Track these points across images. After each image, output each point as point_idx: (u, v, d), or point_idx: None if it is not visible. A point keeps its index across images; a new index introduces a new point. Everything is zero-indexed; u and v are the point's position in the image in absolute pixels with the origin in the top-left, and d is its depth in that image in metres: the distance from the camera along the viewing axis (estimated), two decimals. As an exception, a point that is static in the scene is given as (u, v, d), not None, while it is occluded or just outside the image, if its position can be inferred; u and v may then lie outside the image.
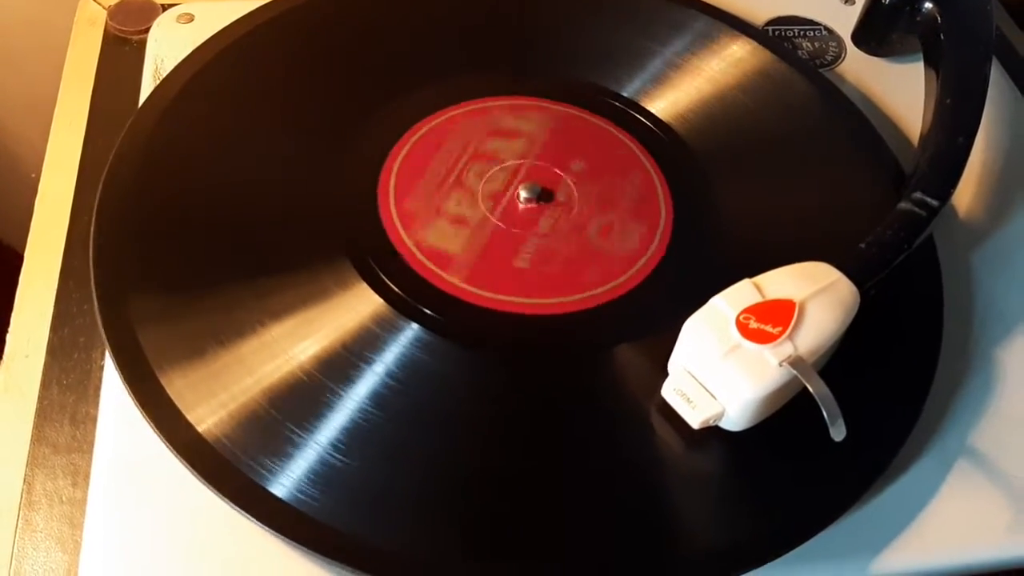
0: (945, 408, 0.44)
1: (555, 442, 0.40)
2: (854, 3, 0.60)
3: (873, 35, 0.57)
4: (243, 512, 0.36)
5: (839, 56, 0.58)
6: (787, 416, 0.39)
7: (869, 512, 0.40)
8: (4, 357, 0.42)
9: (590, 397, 0.41)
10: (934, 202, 0.43)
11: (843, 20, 0.59)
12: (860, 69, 0.57)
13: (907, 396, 0.42)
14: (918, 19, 0.53)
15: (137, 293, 0.41)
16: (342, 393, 0.39)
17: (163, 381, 0.39)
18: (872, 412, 0.41)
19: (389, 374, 0.40)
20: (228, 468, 0.37)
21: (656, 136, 0.51)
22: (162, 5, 0.56)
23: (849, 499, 0.39)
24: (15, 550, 0.37)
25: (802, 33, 0.59)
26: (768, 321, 0.38)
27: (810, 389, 0.36)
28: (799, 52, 0.57)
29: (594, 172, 0.48)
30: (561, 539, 0.37)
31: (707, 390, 0.38)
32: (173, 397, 0.38)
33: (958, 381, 0.45)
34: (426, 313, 0.42)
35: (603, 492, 0.39)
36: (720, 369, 0.38)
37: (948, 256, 0.48)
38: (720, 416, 0.39)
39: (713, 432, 0.40)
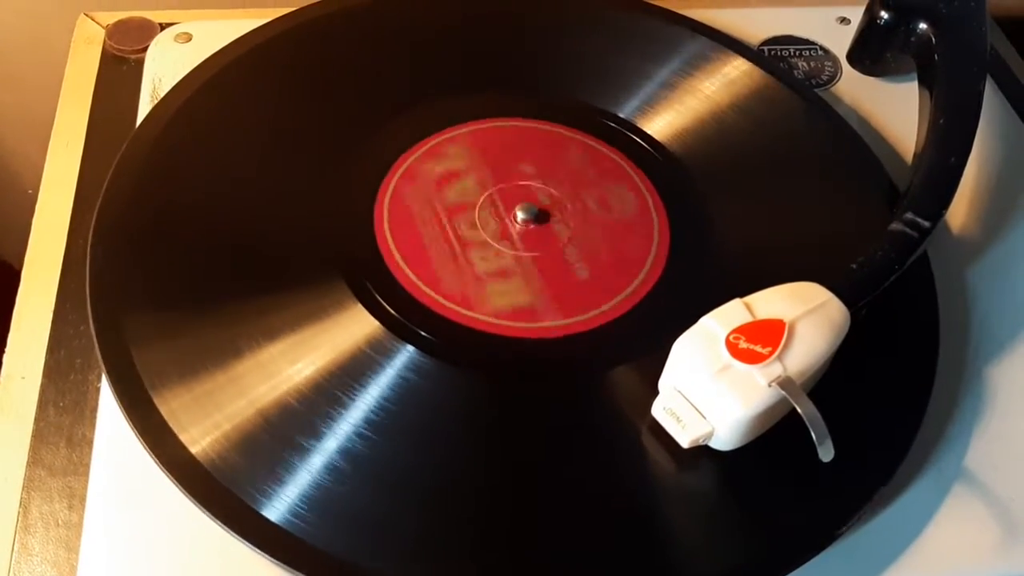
0: (942, 428, 0.44)
1: (547, 463, 0.40)
2: (849, 23, 0.60)
3: (868, 54, 0.57)
4: (236, 535, 0.36)
5: (835, 75, 0.58)
6: (779, 437, 0.39)
7: (864, 535, 0.40)
8: (0, 378, 0.42)
9: (584, 418, 0.41)
10: (926, 223, 0.44)
11: (839, 40, 0.59)
12: (855, 88, 0.58)
13: (903, 416, 0.42)
14: (913, 39, 0.53)
15: (133, 314, 0.42)
16: (336, 415, 0.39)
17: (157, 403, 0.39)
18: (867, 432, 0.41)
19: (384, 396, 0.40)
20: (222, 491, 0.37)
21: (652, 156, 0.51)
22: (160, 24, 0.56)
23: (843, 522, 0.39)
24: (11, 574, 0.37)
25: (798, 53, 0.59)
26: (758, 341, 0.38)
27: (798, 410, 0.36)
28: (795, 72, 0.58)
29: (590, 193, 0.49)
30: (555, 561, 0.38)
31: (697, 409, 0.39)
32: (167, 419, 0.38)
33: (954, 400, 0.45)
34: (421, 335, 0.42)
35: (597, 513, 0.39)
36: (709, 389, 0.38)
37: (943, 274, 0.48)
38: (709, 436, 0.39)
39: (704, 452, 0.40)
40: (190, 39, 0.55)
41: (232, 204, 0.46)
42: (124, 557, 0.37)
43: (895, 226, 0.44)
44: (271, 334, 0.42)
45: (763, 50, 0.59)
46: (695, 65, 0.54)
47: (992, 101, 0.57)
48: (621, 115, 0.52)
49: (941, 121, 0.48)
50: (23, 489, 0.39)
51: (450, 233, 0.46)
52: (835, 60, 0.59)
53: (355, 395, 0.40)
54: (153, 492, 0.38)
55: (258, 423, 0.39)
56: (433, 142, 0.50)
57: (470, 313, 0.43)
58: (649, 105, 0.53)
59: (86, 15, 0.57)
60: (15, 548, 0.38)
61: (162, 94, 0.50)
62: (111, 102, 0.53)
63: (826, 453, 0.36)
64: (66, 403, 0.42)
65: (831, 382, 0.40)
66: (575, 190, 0.49)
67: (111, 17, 0.57)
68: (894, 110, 0.56)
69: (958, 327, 0.47)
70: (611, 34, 0.56)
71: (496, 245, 0.46)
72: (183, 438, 0.38)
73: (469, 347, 0.42)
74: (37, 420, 0.41)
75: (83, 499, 0.39)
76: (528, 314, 0.44)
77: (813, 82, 0.57)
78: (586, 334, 0.43)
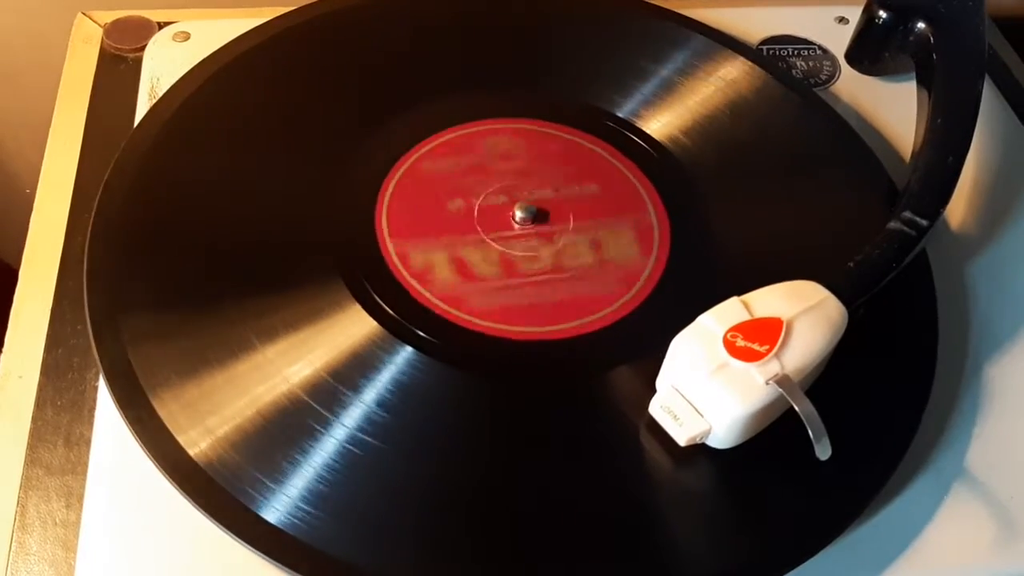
0: (941, 427, 0.44)
1: (545, 464, 0.40)
2: (848, 22, 0.60)
3: (867, 54, 0.57)
4: (234, 536, 0.36)
5: (833, 75, 0.58)
6: (777, 435, 0.39)
7: (863, 533, 0.40)
8: (-2, 377, 0.43)
9: (582, 417, 0.41)
10: (923, 221, 0.44)
11: (837, 39, 0.59)
12: (854, 88, 0.58)
13: (902, 415, 0.42)
14: (911, 38, 0.53)
15: (130, 314, 0.41)
16: (335, 415, 0.39)
17: (155, 403, 0.39)
18: (866, 431, 0.41)
19: (382, 397, 0.40)
20: (220, 492, 0.37)
21: (650, 156, 0.51)
22: (158, 23, 0.56)
23: (843, 521, 0.39)
24: (8, 573, 0.37)
25: (796, 52, 0.59)
26: (755, 339, 0.38)
27: (796, 408, 0.36)
28: (793, 71, 0.58)
29: (589, 193, 0.49)
30: (553, 561, 0.37)
31: (694, 407, 0.39)
32: (165, 420, 0.38)
33: (953, 399, 0.45)
34: (420, 336, 0.42)
35: (596, 512, 0.39)
36: (707, 387, 0.38)
37: (942, 273, 0.48)
38: (707, 434, 0.39)
39: (701, 450, 0.40)
40: (188, 38, 0.55)
41: (230, 204, 0.46)
42: (122, 556, 0.37)
43: (893, 224, 0.44)
44: (269, 335, 0.42)
45: (762, 49, 0.59)
46: (694, 64, 0.54)
47: (990, 100, 0.58)
48: (620, 115, 0.52)
49: (939, 120, 0.48)
50: (21, 488, 0.39)
51: (449, 234, 0.46)
52: (833, 60, 0.59)
53: (353, 396, 0.40)
54: (151, 492, 0.38)
55: (256, 424, 0.39)
56: (433, 142, 0.50)
57: (468, 315, 0.43)
58: (648, 105, 0.53)
59: (84, 14, 0.57)
60: (12, 547, 0.38)
61: (160, 93, 0.50)
62: (109, 101, 0.53)
63: (823, 451, 0.36)
64: (64, 402, 0.42)
65: (829, 380, 0.40)
66: (575, 190, 0.49)
67: (109, 16, 0.57)
68: (892, 110, 0.56)
69: (957, 325, 0.47)
70: (610, 33, 0.55)
71: (495, 246, 0.46)
72: (181, 439, 0.38)
73: (467, 348, 0.42)
74: (35, 419, 0.41)
75: (81, 498, 0.39)
76: (527, 315, 0.44)
77: (812, 82, 0.57)
78: (584, 336, 0.43)
